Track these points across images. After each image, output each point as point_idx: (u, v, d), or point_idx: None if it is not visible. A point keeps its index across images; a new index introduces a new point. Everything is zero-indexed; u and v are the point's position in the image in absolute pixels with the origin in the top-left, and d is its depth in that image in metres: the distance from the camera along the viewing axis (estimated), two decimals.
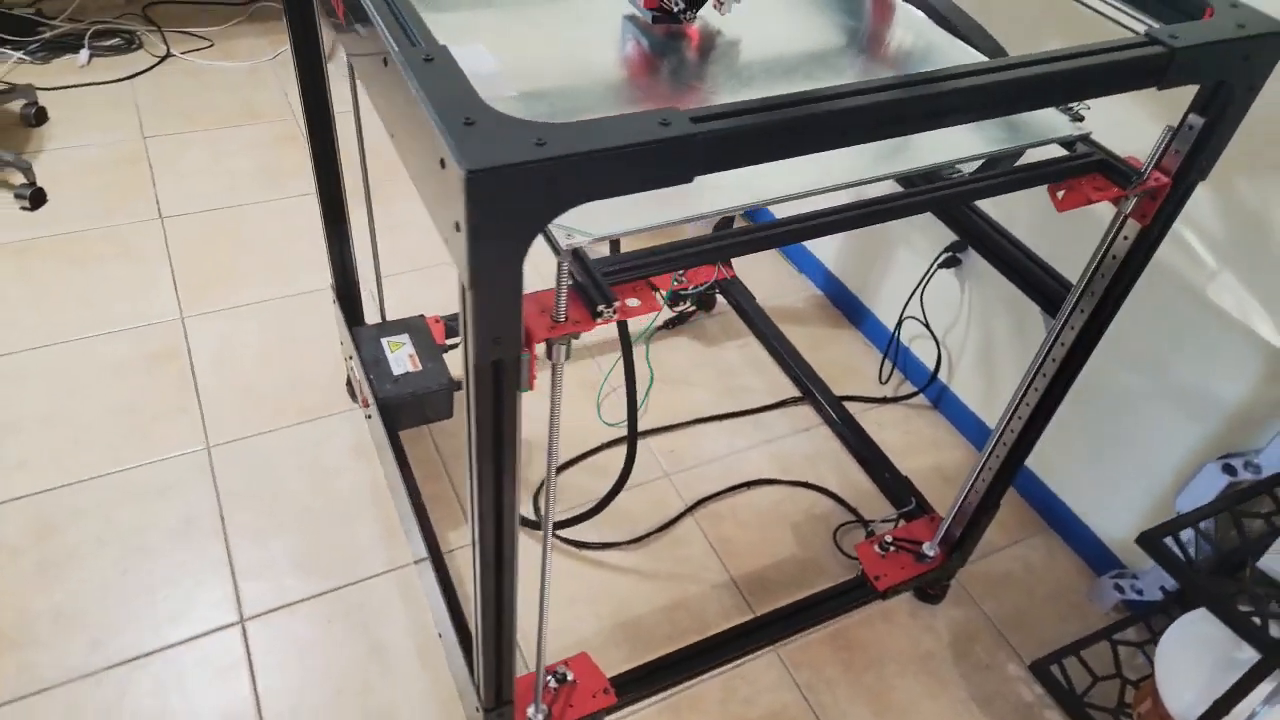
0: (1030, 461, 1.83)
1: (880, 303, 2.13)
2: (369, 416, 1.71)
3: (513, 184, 0.62)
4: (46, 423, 1.77)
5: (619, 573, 1.67)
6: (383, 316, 1.77)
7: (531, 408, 1.91)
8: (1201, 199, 1.35)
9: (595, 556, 1.68)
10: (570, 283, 0.79)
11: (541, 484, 1.78)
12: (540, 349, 0.76)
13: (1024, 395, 1.28)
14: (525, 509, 1.73)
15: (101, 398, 1.83)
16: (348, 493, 1.71)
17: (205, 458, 1.75)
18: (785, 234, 0.91)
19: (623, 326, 1.37)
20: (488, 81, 0.98)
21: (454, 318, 1.82)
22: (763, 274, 2.36)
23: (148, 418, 1.80)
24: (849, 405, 2.00)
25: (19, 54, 2.77)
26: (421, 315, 1.74)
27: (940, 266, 1.89)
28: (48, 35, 2.85)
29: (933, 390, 2.04)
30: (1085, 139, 0.99)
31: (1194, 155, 0.94)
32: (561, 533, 1.70)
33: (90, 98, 2.69)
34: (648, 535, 1.73)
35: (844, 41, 1.14)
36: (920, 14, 1.24)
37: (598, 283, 0.77)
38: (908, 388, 2.08)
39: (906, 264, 2.01)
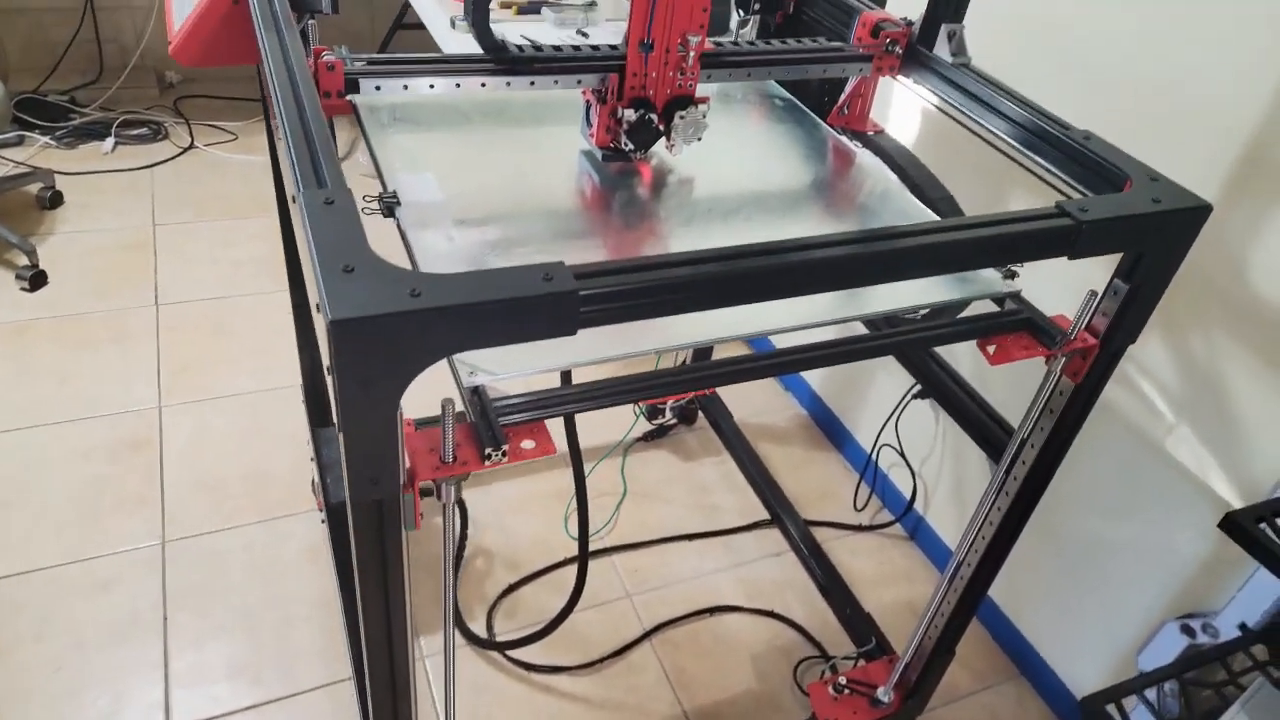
0: (1002, 602, 1.76)
1: (861, 427, 2.11)
2: (324, 520, 1.70)
3: (381, 334, 0.62)
4: (7, 508, 1.77)
5: (567, 699, 1.61)
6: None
7: (496, 518, 1.89)
8: (1158, 353, 1.33)
9: (544, 680, 1.63)
10: (470, 419, 0.79)
11: (498, 600, 1.74)
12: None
13: (973, 541, 1.24)
14: (479, 625, 1.69)
15: (66, 484, 1.84)
16: (294, 598, 1.68)
17: (158, 553, 1.73)
18: (701, 378, 0.90)
19: (573, 446, 1.35)
20: (430, 210, 1.00)
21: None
22: (751, 389, 2.35)
23: (108, 508, 1.80)
24: (823, 531, 1.96)
25: (46, 139, 2.90)
26: None
27: (915, 396, 1.87)
28: (77, 122, 2.99)
29: (909, 521, 1.99)
30: (1015, 297, 0.99)
31: (1120, 319, 0.93)
32: (511, 653, 1.65)
33: (109, 184, 2.80)
34: (601, 660, 1.67)
35: (795, 185, 1.15)
36: (876, 161, 1.27)
37: (491, 423, 0.76)
38: (885, 516, 2.04)
39: (886, 390, 2.00)
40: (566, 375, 1.23)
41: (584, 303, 0.67)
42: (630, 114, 1.06)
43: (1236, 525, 0.87)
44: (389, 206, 0.99)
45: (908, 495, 1.95)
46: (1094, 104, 1.36)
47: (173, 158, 2.97)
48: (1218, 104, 1.18)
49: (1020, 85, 1.07)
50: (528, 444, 0.77)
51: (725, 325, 0.89)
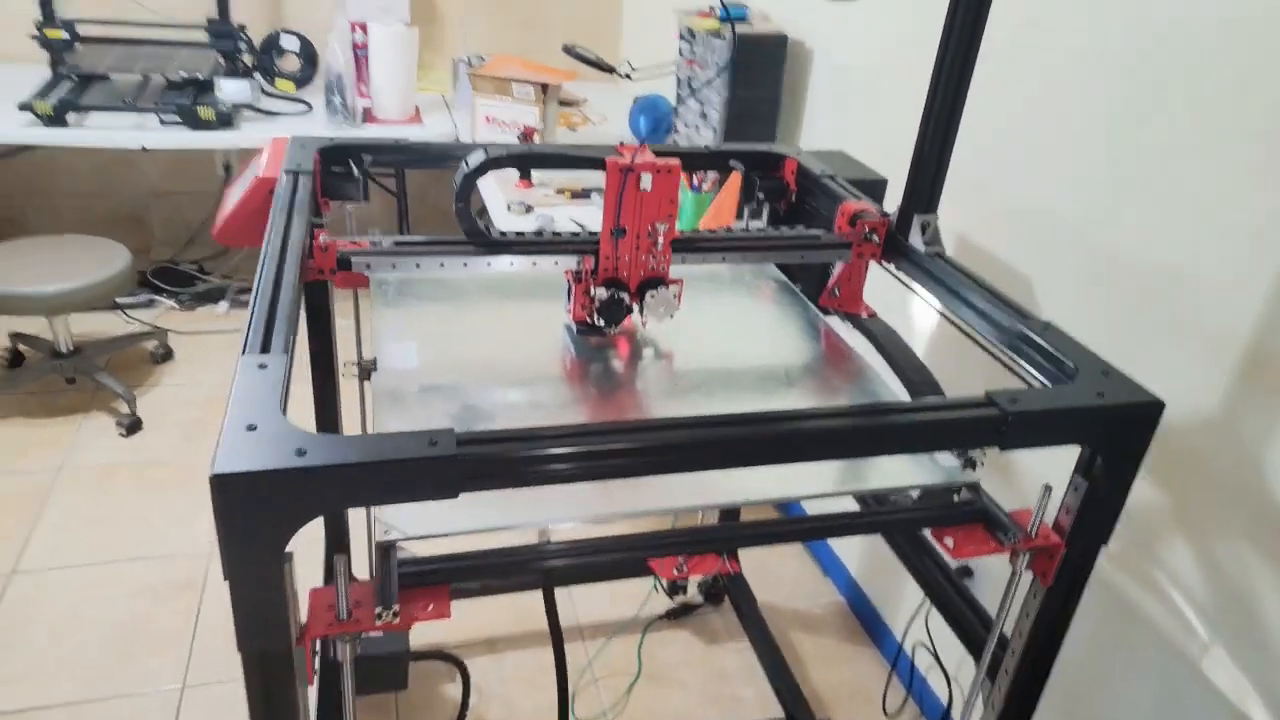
0: None
1: (898, 621, 1.98)
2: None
3: (262, 489, 0.66)
4: (53, 640, 1.86)
5: None
6: (371, 573, 1.80)
7: (503, 689, 1.84)
8: (1186, 561, 1.23)
9: None
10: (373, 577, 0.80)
11: None
12: None
13: None
14: None
15: (111, 620, 1.92)
16: None
17: (176, 698, 1.77)
18: (610, 563, 0.90)
19: (553, 620, 1.33)
20: (403, 377, 1.07)
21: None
22: (788, 570, 2.26)
23: (141, 646, 1.86)
24: None
25: (171, 302, 3.25)
26: None
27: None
28: (200, 288, 3.34)
29: None
30: (973, 487, 0.95)
31: (1083, 517, 0.88)
32: None
33: (215, 342, 3.08)
34: None
35: (764, 364, 1.17)
36: (862, 344, 1.27)
37: (387, 583, 0.77)
38: None
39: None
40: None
41: (464, 468, 0.69)
42: (602, 292, 1.12)
43: None
44: (366, 372, 1.07)
45: (944, 702, 1.79)
46: (1101, 295, 1.34)
47: None
48: (1223, 300, 1.15)
49: (1025, 272, 1.07)
50: (427, 608, 0.78)
51: (649, 497, 0.89)
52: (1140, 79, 1.24)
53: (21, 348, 2.80)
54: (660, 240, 1.12)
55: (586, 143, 2.78)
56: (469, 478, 0.70)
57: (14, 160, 3.17)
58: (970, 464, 0.97)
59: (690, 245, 1.19)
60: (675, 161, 1.09)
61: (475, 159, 1.08)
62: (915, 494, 1.10)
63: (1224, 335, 1.14)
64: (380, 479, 0.69)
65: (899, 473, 0.96)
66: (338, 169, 1.35)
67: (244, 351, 0.81)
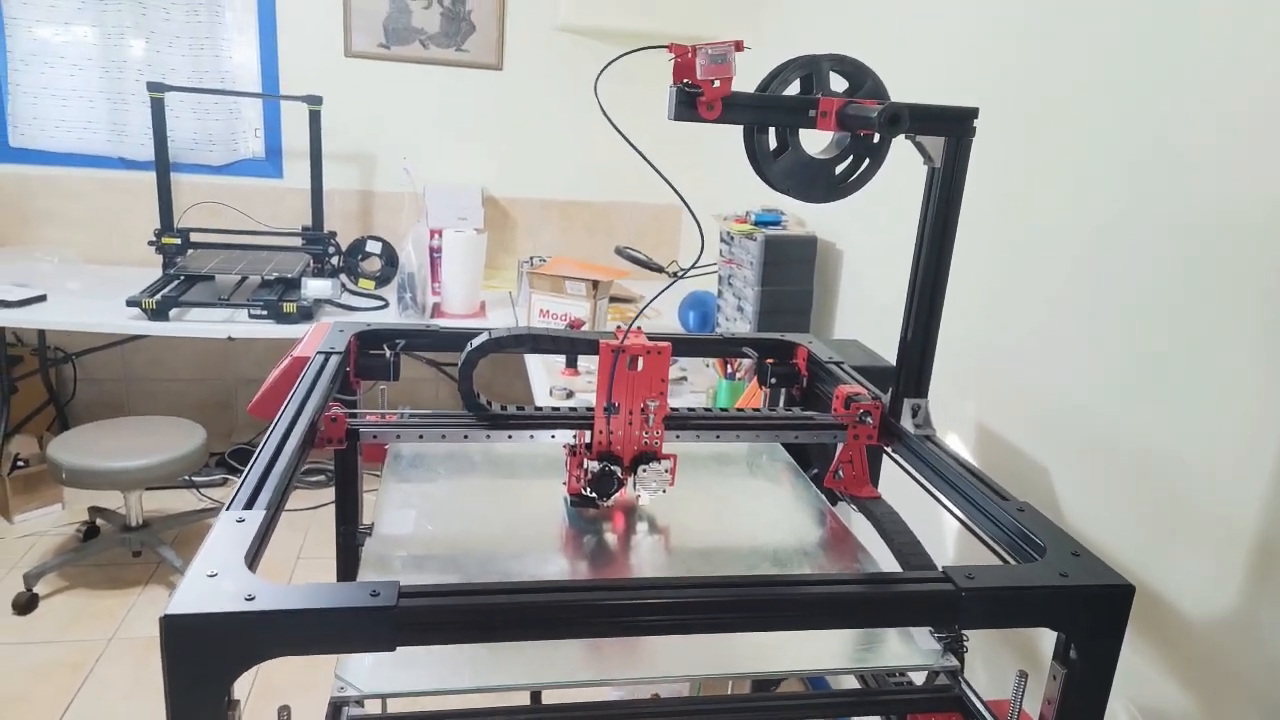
0: None
1: None
2: None
3: (205, 632, 0.69)
4: None
5: None
6: None
7: None
8: None
9: None
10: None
11: None
12: None
13: None
14: None
15: None
16: None
17: None
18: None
19: None
20: (393, 543, 1.11)
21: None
22: None
23: None
24: None
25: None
26: None
27: None
28: None
29: None
30: (952, 673, 0.91)
31: (1065, 708, 0.83)
32: None
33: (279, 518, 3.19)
34: None
35: (754, 542, 1.17)
36: (861, 526, 1.26)
37: None
38: None
39: None
40: (536, 695, 1.21)
41: (402, 620, 0.72)
42: (594, 466, 1.16)
43: None
44: (362, 538, 1.11)
45: None
46: (1121, 488, 1.30)
47: (331, 501, 3.37)
48: (1231, 494, 1.11)
49: (1043, 462, 1.07)
50: None
51: (621, 665, 0.88)
52: (1152, 285, 1.28)
53: (98, 521, 2.96)
54: (652, 417, 1.16)
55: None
56: (407, 630, 0.72)
57: (121, 349, 3.50)
58: (954, 648, 0.93)
59: (683, 422, 1.23)
60: (665, 345, 1.16)
61: (479, 340, 1.17)
62: (920, 679, 1.05)
63: (1236, 530, 1.10)
64: (319, 627, 0.71)
65: (895, 654, 0.93)
66: (375, 352, 1.47)
67: (228, 507, 0.87)
